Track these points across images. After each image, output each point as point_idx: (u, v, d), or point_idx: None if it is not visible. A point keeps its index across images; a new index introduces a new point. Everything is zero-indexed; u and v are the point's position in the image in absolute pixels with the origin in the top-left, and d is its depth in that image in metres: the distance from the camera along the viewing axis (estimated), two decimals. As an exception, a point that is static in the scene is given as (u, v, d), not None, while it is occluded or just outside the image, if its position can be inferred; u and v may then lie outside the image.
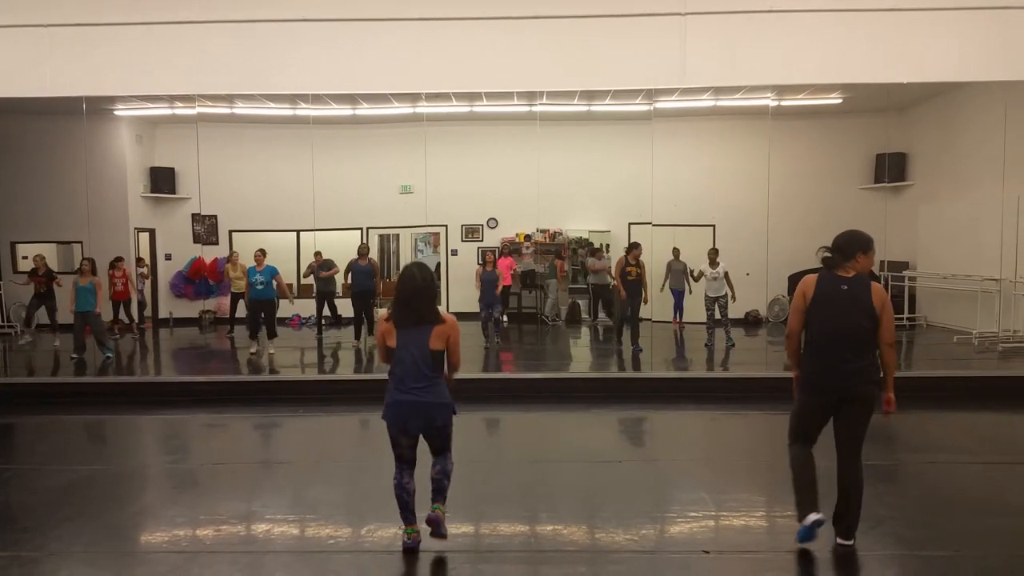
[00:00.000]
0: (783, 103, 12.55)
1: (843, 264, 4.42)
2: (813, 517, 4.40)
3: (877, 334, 4.34)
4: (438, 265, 16.13)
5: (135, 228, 14.82)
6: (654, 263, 12.76)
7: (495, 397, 8.90)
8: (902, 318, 13.28)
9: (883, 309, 4.32)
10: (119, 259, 13.31)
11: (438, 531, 4.41)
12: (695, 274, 12.35)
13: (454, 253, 15.81)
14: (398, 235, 16.71)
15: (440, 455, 4.55)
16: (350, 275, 12.65)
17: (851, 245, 4.43)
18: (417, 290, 4.32)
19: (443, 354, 4.41)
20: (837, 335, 4.32)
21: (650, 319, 12.60)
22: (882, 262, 13.37)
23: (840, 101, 13.01)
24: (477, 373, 9.96)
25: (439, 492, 4.51)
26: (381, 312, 4.51)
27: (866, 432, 4.47)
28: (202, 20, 10.26)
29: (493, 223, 15.91)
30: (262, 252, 11.62)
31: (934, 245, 13.44)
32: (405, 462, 4.47)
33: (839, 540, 4.54)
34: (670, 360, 11.99)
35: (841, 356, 4.32)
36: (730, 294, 11.98)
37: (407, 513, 4.48)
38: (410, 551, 4.45)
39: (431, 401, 4.32)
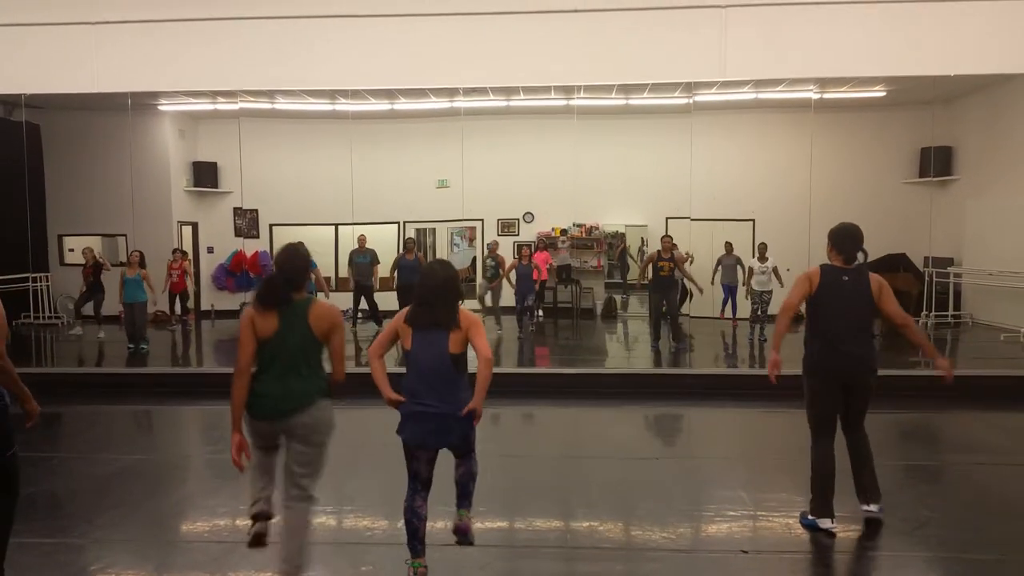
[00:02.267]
0: (825, 96, 12.34)
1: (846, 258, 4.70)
2: (827, 525, 4.64)
3: (875, 321, 4.70)
4: (474, 259, 16.15)
5: (178, 221, 15.08)
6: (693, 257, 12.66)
7: (529, 392, 8.89)
8: (946, 315, 13.00)
9: (881, 293, 4.65)
10: (176, 250, 13.59)
11: (466, 540, 4.02)
12: (746, 270, 12.24)
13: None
14: (434, 229, 16.77)
15: (464, 458, 4.10)
16: (396, 269, 12.85)
17: (854, 241, 4.69)
18: (436, 290, 3.89)
19: (464, 356, 3.92)
20: (842, 323, 4.63)
21: (688, 315, 12.48)
22: (926, 258, 13.10)
23: (884, 94, 12.75)
24: (511, 368, 9.97)
25: (464, 496, 4.09)
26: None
27: (867, 407, 4.75)
28: (244, 16, 10.39)
29: (529, 217, 15.88)
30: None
31: (981, 240, 13.10)
32: (420, 481, 4.00)
33: (864, 507, 4.75)
34: (710, 356, 11.87)
35: (845, 342, 4.62)
36: (777, 287, 11.84)
37: (415, 543, 3.97)
38: None
39: (449, 412, 3.82)
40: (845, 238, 4.67)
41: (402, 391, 3.92)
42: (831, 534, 4.62)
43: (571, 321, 15.00)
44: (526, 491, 5.57)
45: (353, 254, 13.32)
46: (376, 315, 13.32)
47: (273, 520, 3.93)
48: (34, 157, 13.16)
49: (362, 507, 5.32)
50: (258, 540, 3.87)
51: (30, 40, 10.55)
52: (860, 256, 4.73)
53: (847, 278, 4.63)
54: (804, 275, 4.74)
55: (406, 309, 4.01)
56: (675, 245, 11.31)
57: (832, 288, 4.62)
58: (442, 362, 3.84)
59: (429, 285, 3.92)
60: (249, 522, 3.88)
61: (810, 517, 4.73)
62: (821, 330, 4.68)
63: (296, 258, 3.92)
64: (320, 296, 12.07)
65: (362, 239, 13.38)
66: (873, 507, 4.73)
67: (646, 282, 11.91)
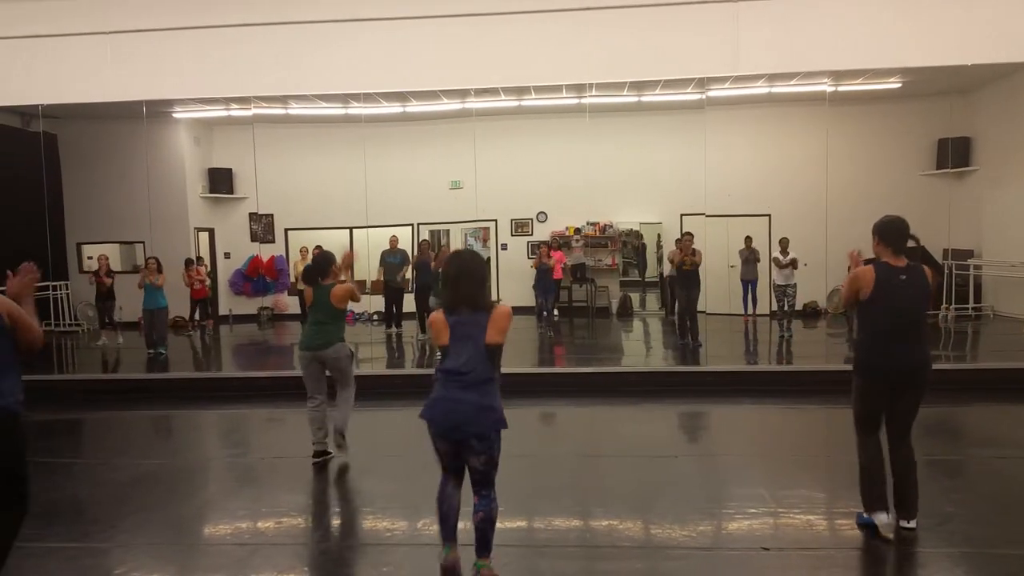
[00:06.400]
0: (840, 89, 12.24)
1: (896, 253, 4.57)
2: (884, 519, 4.49)
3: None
4: (488, 259, 16.19)
5: (195, 228, 15.19)
6: (707, 254, 12.59)
7: (547, 391, 8.88)
8: (967, 307, 12.86)
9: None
10: (193, 259, 13.73)
11: None
12: (781, 260, 12.09)
13: (504, 247, 15.83)
14: (448, 230, 16.80)
15: (483, 491, 3.88)
16: (415, 271, 12.97)
17: (901, 233, 4.58)
18: (463, 269, 3.84)
19: (499, 349, 3.82)
20: (900, 322, 4.48)
21: (704, 311, 12.40)
22: (945, 250, 12.96)
23: (900, 85, 12.62)
24: (529, 367, 9.96)
25: (483, 544, 3.88)
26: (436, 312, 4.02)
27: (916, 414, 4.58)
28: (255, 23, 10.44)
29: (543, 217, 15.87)
30: (318, 249, 11.81)
31: (1001, 232, 12.95)
32: (450, 471, 3.92)
33: (902, 523, 4.56)
34: (729, 353, 11.80)
35: (903, 342, 4.48)
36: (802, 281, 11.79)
37: (447, 529, 3.90)
38: (449, 571, 3.87)
39: (477, 401, 3.72)
40: (892, 231, 4.55)
41: (437, 375, 3.85)
42: (887, 527, 4.47)
43: (586, 320, 14.99)
44: (544, 490, 5.56)
45: (384, 255, 13.37)
46: (399, 317, 13.36)
47: (330, 456, 6.23)
48: (52, 167, 13.26)
49: (381, 508, 5.32)
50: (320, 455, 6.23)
51: (45, 51, 10.65)
52: (911, 243, 4.60)
53: (904, 276, 4.48)
54: (855, 275, 4.57)
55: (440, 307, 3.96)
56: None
57: (888, 287, 4.46)
58: (477, 351, 3.75)
59: (455, 266, 3.87)
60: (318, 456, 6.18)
61: (865, 515, 4.60)
62: (872, 330, 4.54)
63: (319, 256, 6.58)
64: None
65: (393, 240, 13.44)
66: (912, 523, 4.54)
67: (658, 278, 11.90)
